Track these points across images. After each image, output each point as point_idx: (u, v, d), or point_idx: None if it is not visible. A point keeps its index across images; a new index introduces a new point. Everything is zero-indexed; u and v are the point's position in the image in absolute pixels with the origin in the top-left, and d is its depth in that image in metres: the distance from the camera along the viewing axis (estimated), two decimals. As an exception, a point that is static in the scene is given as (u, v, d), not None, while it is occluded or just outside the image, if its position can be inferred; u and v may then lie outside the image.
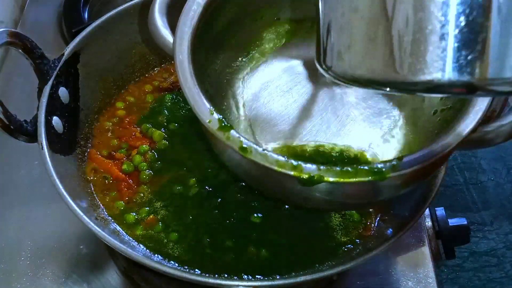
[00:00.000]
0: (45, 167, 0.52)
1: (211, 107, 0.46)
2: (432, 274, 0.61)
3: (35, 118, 0.55)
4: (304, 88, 0.59)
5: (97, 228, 0.50)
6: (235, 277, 0.52)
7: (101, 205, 0.58)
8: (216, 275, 0.52)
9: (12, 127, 0.53)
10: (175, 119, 0.65)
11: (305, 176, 0.43)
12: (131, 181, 0.60)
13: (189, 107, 0.65)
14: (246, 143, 0.44)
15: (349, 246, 0.56)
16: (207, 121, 0.46)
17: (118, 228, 0.56)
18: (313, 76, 0.60)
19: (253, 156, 0.44)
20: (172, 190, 0.59)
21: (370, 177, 0.43)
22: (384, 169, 0.43)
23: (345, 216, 0.58)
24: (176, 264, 0.54)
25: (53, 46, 0.81)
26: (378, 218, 0.58)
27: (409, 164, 0.44)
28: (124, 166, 0.60)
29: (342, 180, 0.43)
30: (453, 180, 0.89)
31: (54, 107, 0.57)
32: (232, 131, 0.45)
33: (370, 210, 0.58)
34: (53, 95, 0.57)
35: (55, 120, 0.57)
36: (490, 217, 0.85)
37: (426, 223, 0.65)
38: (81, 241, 0.63)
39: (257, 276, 0.53)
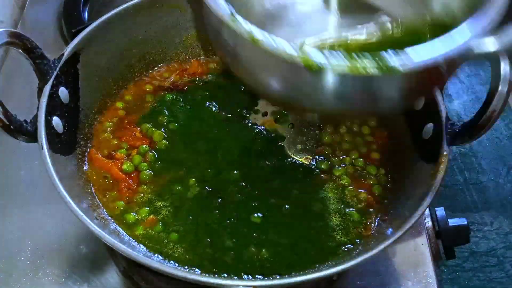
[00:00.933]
0: (45, 167, 0.52)
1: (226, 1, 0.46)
2: (432, 274, 0.61)
3: (35, 118, 0.55)
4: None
5: (97, 228, 0.50)
6: (235, 277, 0.52)
7: (101, 205, 0.58)
8: (216, 275, 0.52)
9: (12, 127, 0.53)
10: (175, 119, 0.65)
11: (314, 62, 0.42)
12: (131, 181, 0.60)
13: (189, 107, 0.66)
14: (258, 32, 0.44)
15: (349, 246, 0.56)
16: (221, 12, 0.45)
17: (118, 228, 0.56)
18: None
19: (265, 45, 0.43)
20: (172, 190, 0.59)
21: (378, 68, 0.42)
22: (392, 62, 0.42)
23: (345, 216, 0.58)
24: (176, 264, 0.54)
25: (53, 46, 0.81)
26: (378, 218, 0.58)
27: (420, 58, 0.42)
28: (124, 166, 0.60)
29: (349, 65, 0.42)
30: (453, 180, 0.89)
31: (54, 107, 0.57)
32: (243, 21, 0.45)
33: (370, 210, 0.58)
34: (53, 95, 0.57)
35: (55, 120, 0.57)
36: (490, 217, 0.85)
37: (426, 223, 0.65)
38: (81, 241, 0.63)
39: (257, 276, 0.53)
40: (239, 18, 0.45)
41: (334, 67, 0.43)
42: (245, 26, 0.45)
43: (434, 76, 0.46)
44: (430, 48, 0.43)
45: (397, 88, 0.46)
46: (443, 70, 0.45)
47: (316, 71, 0.43)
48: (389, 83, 0.45)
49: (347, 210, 0.58)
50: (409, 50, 0.43)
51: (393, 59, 0.42)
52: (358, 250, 0.55)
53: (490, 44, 0.44)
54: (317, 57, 0.43)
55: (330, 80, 0.44)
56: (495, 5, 0.45)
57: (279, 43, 0.43)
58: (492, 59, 0.49)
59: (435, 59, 0.43)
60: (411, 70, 0.42)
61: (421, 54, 0.43)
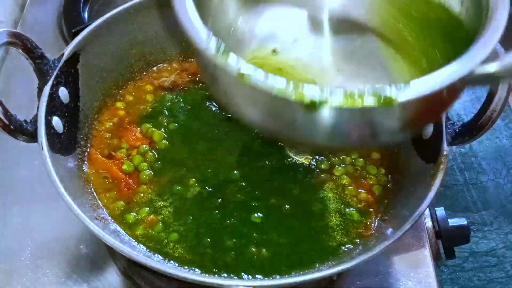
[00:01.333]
0: (45, 167, 0.52)
1: (208, 30, 0.43)
2: (432, 274, 0.61)
3: (35, 118, 0.55)
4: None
5: (97, 228, 0.50)
6: (235, 277, 0.52)
7: (101, 205, 0.58)
8: (216, 275, 0.53)
9: (12, 127, 0.53)
10: (175, 119, 0.65)
11: (308, 99, 0.40)
12: (131, 181, 0.60)
13: (189, 107, 0.66)
14: (244, 67, 0.41)
15: (349, 246, 0.56)
16: (203, 45, 0.42)
17: (118, 228, 0.56)
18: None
19: (254, 81, 0.41)
20: (172, 190, 0.59)
21: (376, 100, 0.40)
22: (389, 94, 0.40)
23: (345, 216, 0.58)
24: (176, 264, 0.54)
25: (53, 46, 0.81)
26: (378, 218, 0.58)
27: (420, 88, 0.41)
28: (124, 166, 0.60)
29: (346, 103, 0.40)
30: (453, 180, 0.88)
31: (54, 107, 0.57)
32: (231, 54, 0.42)
33: (370, 210, 0.58)
34: (53, 95, 0.57)
35: (55, 120, 0.57)
36: (490, 217, 0.84)
37: (426, 223, 0.65)
38: (81, 241, 0.63)
39: (257, 276, 0.53)
40: (214, 40, 0.42)
41: (330, 101, 0.41)
42: (232, 59, 0.42)
43: (433, 105, 0.45)
44: (429, 80, 0.41)
45: (397, 119, 0.45)
46: (444, 97, 0.44)
47: (311, 106, 0.41)
48: (385, 115, 0.44)
49: (347, 210, 0.58)
50: (405, 83, 0.41)
51: (389, 90, 0.41)
52: (358, 250, 0.55)
53: (491, 67, 0.43)
54: (311, 92, 0.41)
55: (326, 114, 0.42)
56: (496, 29, 0.44)
57: (270, 78, 0.41)
58: (492, 82, 0.48)
59: (432, 90, 0.41)
60: (409, 101, 0.41)
61: (419, 86, 0.41)
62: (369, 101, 0.40)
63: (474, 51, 0.42)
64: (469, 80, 0.43)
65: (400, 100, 0.40)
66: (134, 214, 0.57)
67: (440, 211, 0.65)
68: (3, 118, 0.52)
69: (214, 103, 0.66)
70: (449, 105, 0.48)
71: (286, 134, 0.50)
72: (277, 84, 0.41)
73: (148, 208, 0.58)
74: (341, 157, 0.63)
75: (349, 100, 0.40)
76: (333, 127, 0.44)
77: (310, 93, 0.41)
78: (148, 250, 0.55)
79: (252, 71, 0.41)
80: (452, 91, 0.44)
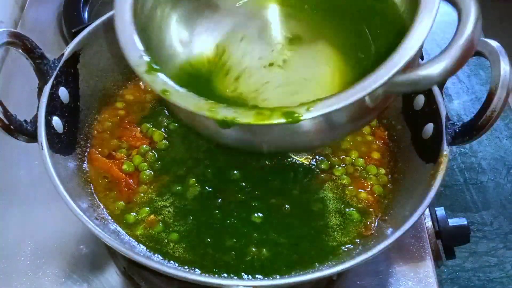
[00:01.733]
0: (45, 167, 0.52)
1: (143, 49, 0.47)
2: (432, 274, 0.61)
3: (35, 118, 0.55)
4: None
5: (97, 228, 0.50)
6: (235, 277, 0.53)
7: (101, 205, 0.58)
8: (216, 275, 0.53)
9: (12, 127, 0.53)
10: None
11: (220, 117, 0.44)
12: (131, 181, 0.60)
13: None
14: (169, 86, 0.46)
15: (349, 246, 0.56)
16: (136, 63, 0.47)
17: (118, 228, 0.56)
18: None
19: (174, 98, 0.45)
20: (172, 190, 0.59)
21: (283, 119, 0.43)
22: (297, 111, 0.43)
23: (345, 216, 0.58)
24: (176, 264, 0.54)
25: (53, 46, 0.81)
26: (378, 218, 0.58)
27: (324, 106, 0.43)
28: (124, 166, 0.60)
29: (256, 122, 0.44)
30: (453, 180, 0.88)
31: (54, 107, 0.57)
32: (159, 74, 0.46)
33: (370, 210, 0.59)
34: (53, 95, 0.57)
35: (55, 120, 0.57)
36: (490, 217, 0.84)
37: (426, 223, 0.65)
38: (81, 241, 0.63)
39: (257, 276, 0.53)
40: (146, 59, 0.47)
41: (240, 120, 0.44)
42: (158, 77, 0.46)
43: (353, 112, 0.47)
44: (333, 98, 0.44)
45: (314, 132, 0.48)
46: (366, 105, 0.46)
47: (224, 123, 0.45)
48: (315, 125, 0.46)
49: (347, 210, 0.58)
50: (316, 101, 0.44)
51: (300, 110, 0.43)
52: (358, 250, 0.55)
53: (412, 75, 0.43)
54: (223, 113, 0.44)
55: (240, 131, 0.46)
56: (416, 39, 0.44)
57: (189, 97, 0.45)
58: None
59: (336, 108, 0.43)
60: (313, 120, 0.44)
61: (322, 105, 0.44)
62: (277, 118, 0.44)
63: (385, 67, 0.43)
64: (391, 88, 0.44)
65: (305, 116, 0.43)
66: (134, 214, 0.57)
67: (440, 211, 0.66)
68: (3, 118, 0.52)
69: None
70: (380, 106, 0.49)
71: (217, 140, 0.54)
72: (193, 102, 0.45)
73: (148, 208, 0.58)
74: (341, 157, 0.63)
75: (257, 118, 0.44)
76: (250, 137, 0.49)
77: (222, 112, 0.44)
78: (148, 250, 0.55)
79: (173, 89, 0.46)
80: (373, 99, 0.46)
